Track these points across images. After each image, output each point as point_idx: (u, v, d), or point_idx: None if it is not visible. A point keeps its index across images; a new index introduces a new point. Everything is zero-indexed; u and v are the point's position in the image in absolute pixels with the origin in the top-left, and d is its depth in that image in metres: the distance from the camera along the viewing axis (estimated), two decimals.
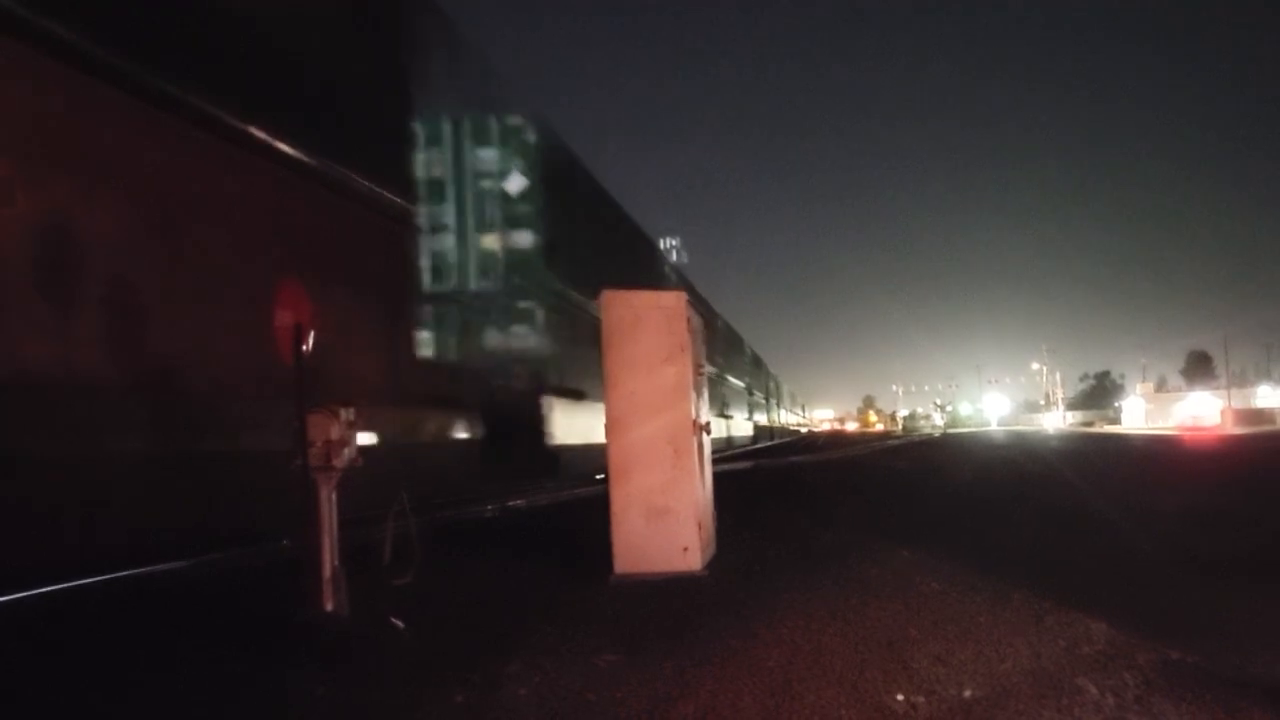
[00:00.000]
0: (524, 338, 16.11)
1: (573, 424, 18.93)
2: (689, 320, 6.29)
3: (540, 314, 16.42)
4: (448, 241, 14.82)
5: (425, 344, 14.27)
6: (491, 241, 15.27)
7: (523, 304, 16.04)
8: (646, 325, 6.20)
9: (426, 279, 14.45)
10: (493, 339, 15.67)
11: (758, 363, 61.12)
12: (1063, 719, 3.18)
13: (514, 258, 15.59)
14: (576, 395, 19.23)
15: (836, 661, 3.97)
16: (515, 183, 15.46)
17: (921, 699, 3.44)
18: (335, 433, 4.73)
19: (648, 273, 31.40)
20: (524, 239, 15.65)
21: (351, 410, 4.86)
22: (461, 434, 15.42)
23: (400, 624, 4.77)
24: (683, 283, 34.43)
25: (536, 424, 17.99)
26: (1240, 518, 9.13)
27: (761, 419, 58.05)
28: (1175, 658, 3.85)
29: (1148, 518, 9.02)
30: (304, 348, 4.78)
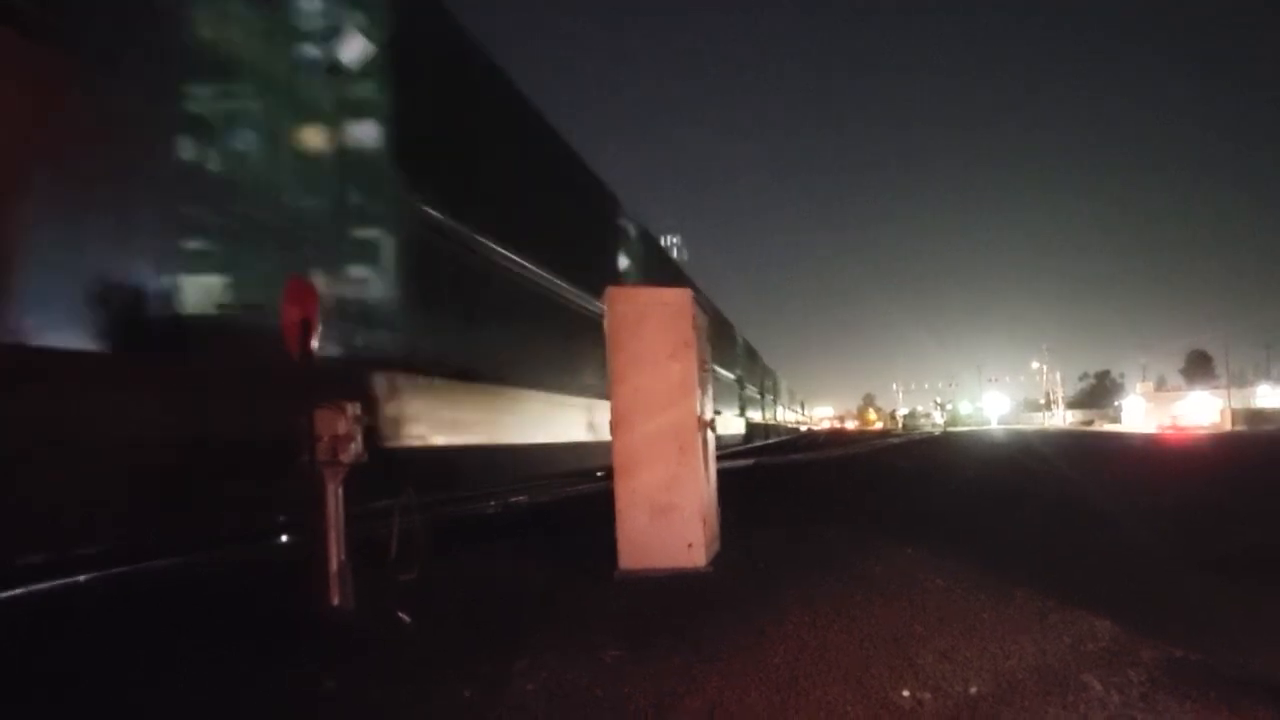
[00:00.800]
0: (362, 283, 11.29)
1: (460, 417, 13.46)
2: (694, 317, 6.30)
3: (393, 249, 11.64)
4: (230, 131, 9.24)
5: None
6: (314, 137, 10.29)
7: (360, 232, 11.27)
8: (651, 322, 6.21)
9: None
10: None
11: (751, 354, 56.65)
12: (1068, 715, 3.20)
13: (350, 163, 10.80)
14: (465, 375, 13.56)
15: (842, 658, 3.98)
16: (353, 50, 10.73)
17: (928, 695, 3.46)
18: (342, 428, 4.75)
19: (599, 224, 23.73)
20: (367, 136, 11.11)
21: (358, 405, 4.88)
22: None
23: (407, 618, 4.79)
24: (646, 245, 28.30)
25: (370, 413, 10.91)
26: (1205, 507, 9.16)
27: (755, 416, 54.61)
28: (1179, 655, 3.86)
29: (1144, 512, 9.04)
30: (311, 344, 4.80)
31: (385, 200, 11.65)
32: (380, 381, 10.86)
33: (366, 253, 11.54)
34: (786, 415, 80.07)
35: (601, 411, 16.62)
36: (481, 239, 14.34)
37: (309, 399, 4.68)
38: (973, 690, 3.50)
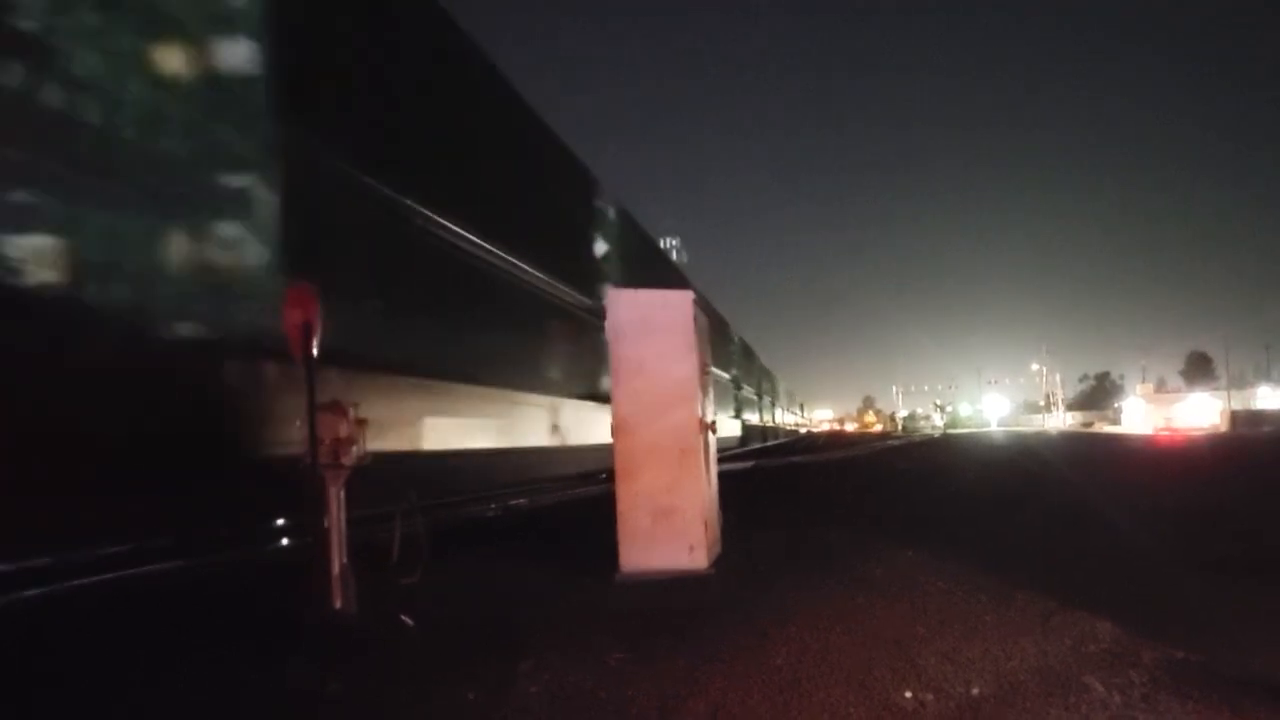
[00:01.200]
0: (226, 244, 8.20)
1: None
2: (696, 320, 6.32)
3: (268, 196, 8.46)
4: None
5: None
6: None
7: (229, 178, 8.19)
8: (653, 325, 6.23)
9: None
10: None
11: (748, 353, 52.84)
12: (1070, 716, 3.21)
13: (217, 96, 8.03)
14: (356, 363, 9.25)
15: (844, 659, 3.99)
16: None
17: (930, 696, 3.47)
18: (344, 430, 4.76)
19: (564, 198, 19.13)
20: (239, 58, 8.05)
21: (359, 407, 4.89)
22: None
23: (410, 621, 4.79)
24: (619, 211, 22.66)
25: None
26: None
27: (753, 418, 51.30)
28: (1180, 656, 3.87)
29: (1144, 513, 9.05)
30: (313, 347, 4.81)
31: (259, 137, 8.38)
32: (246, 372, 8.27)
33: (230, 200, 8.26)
34: (786, 418, 78.72)
35: (568, 411, 16.43)
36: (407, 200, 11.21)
37: (311, 402, 4.69)
38: (975, 691, 3.51)
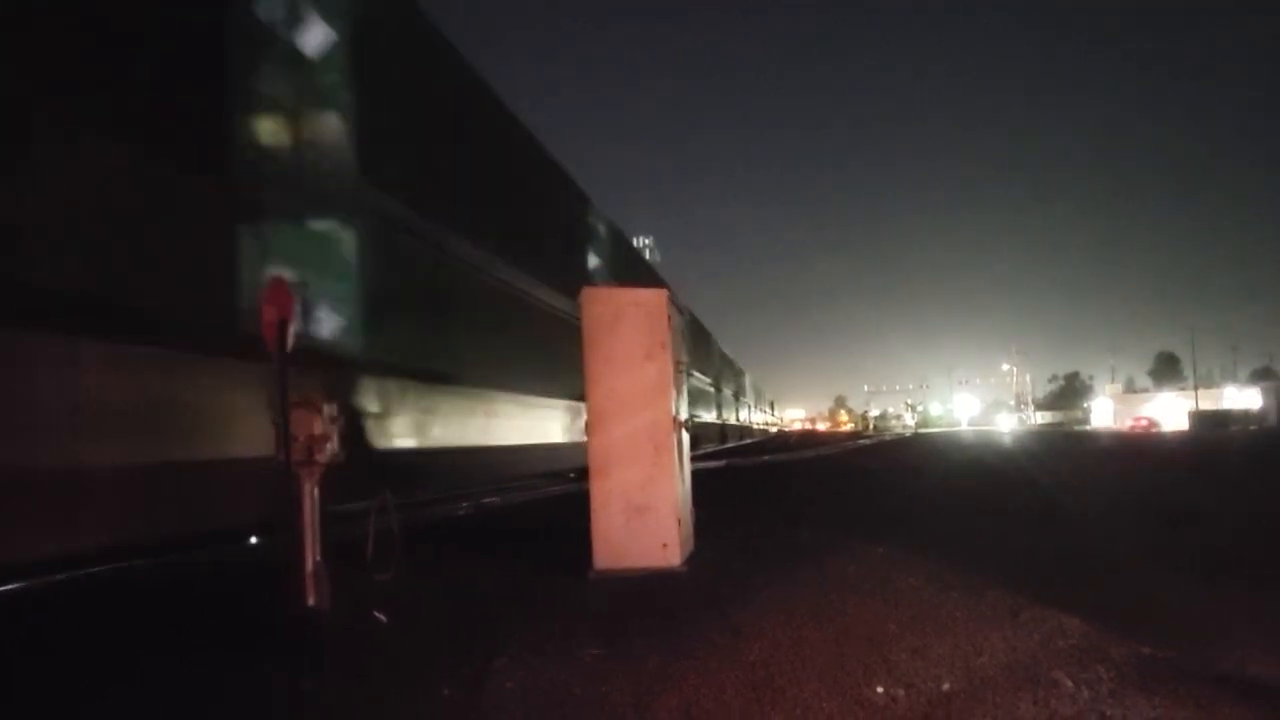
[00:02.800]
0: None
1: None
2: (669, 317, 6.34)
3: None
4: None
5: None
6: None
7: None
8: (626, 322, 6.24)
9: None
10: None
11: (702, 338, 42.02)
12: (1039, 711, 3.25)
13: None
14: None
15: (817, 655, 4.02)
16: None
17: (901, 691, 3.50)
18: (318, 428, 4.73)
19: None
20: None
21: (335, 405, 4.86)
22: None
23: (384, 618, 4.78)
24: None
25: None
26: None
27: (709, 416, 42.39)
28: (1147, 653, 3.93)
29: (1108, 510, 9.17)
30: (288, 344, 4.78)
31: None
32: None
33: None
34: (756, 416, 76.84)
35: (502, 405, 15.96)
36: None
37: (284, 399, 4.65)
38: (945, 686, 3.55)
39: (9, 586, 5.79)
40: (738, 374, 60.16)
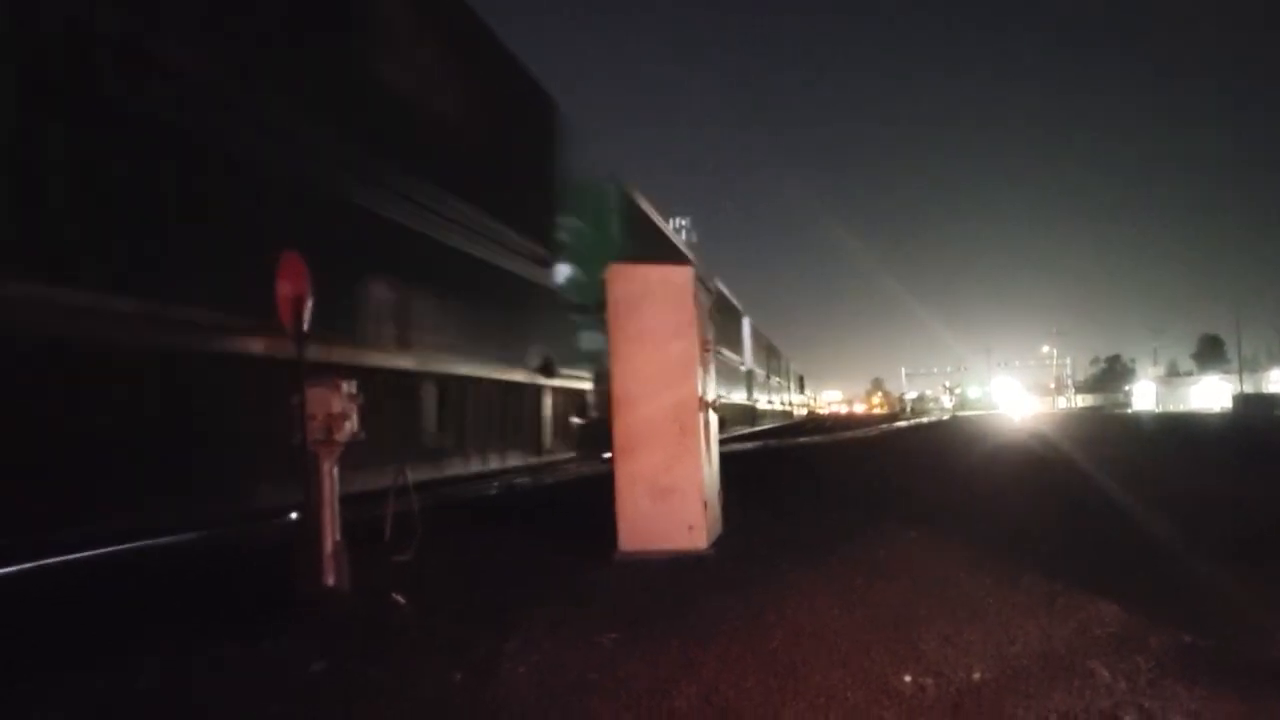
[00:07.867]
0: None
1: None
2: (696, 295, 6.21)
3: None
4: None
5: None
6: None
7: None
8: (653, 300, 6.12)
9: None
10: None
11: (733, 317, 36.23)
12: (1074, 701, 3.11)
13: None
14: None
15: (843, 642, 3.90)
16: None
17: (929, 680, 3.37)
18: (337, 406, 4.68)
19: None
20: None
21: (354, 383, 4.80)
22: None
23: (401, 599, 4.73)
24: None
25: None
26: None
27: (740, 397, 37.36)
28: (1188, 641, 3.78)
29: (1152, 498, 8.94)
30: (304, 321, 4.72)
31: None
32: None
33: None
34: (793, 398, 75.51)
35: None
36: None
37: (301, 377, 4.60)
38: (976, 676, 3.42)
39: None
40: (774, 355, 57.75)
